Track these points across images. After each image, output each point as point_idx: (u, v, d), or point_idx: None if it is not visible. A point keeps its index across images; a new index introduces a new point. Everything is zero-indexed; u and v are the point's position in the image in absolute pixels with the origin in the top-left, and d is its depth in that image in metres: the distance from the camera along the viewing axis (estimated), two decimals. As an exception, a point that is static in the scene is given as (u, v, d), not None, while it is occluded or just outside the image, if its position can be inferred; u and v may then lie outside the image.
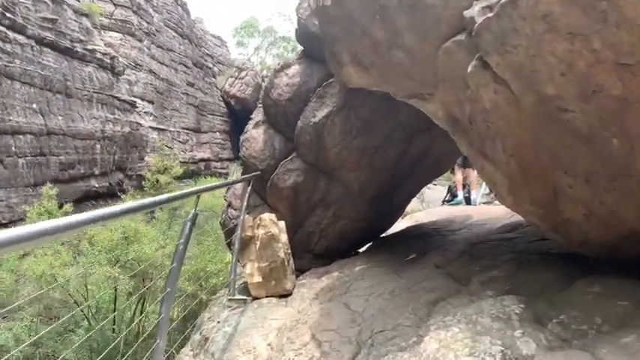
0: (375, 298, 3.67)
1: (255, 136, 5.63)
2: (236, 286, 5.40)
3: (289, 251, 5.33)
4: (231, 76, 35.84)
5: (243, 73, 35.27)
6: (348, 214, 5.90)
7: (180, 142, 28.05)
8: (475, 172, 8.81)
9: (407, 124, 5.53)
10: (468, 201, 9.01)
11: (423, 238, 5.64)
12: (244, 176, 5.55)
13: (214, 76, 36.70)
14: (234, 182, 4.88)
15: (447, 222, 6.38)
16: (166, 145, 24.24)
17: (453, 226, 5.89)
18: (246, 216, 5.29)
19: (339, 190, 5.62)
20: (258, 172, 5.55)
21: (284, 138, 5.57)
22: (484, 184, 9.67)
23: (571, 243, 2.85)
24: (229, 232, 5.75)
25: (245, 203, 5.31)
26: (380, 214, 6.34)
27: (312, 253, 6.05)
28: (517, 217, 5.71)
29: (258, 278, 5.04)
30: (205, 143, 31.46)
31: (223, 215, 6.08)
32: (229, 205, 6.01)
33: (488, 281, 3.02)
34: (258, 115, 5.86)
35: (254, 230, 5.13)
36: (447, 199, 9.45)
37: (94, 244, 7.42)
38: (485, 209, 7.44)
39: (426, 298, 3.15)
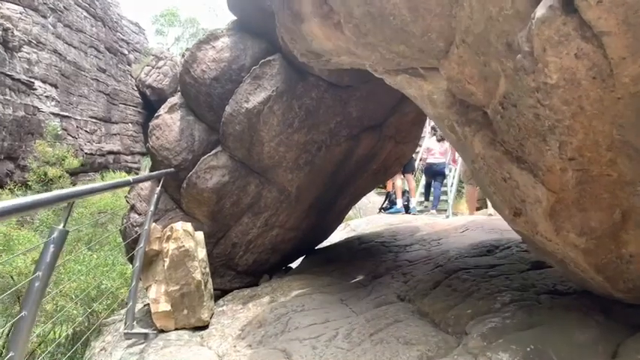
0: (326, 347, 2.67)
1: (170, 122, 4.43)
2: (136, 315, 4.18)
3: (207, 270, 4.20)
4: (148, 65, 33.41)
5: (161, 63, 33.01)
6: (282, 223, 4.87)
7: (86, 131, 25.45)
8: (413, 180, 8.14)
9: (357, 118, 4.62)
10: (407, 209, 8.34)
11: (369, 253, 4.75)
12: (152, 173, 4.34)
13: (129, 64, 34.04)
14: (137, 181, 3.67)
15: (392, 234, 5.54)
16: (69, 134, 21.75)
17: (403, 240, 5.05)
18: (154, 224, 4.10)
19: (273, 194, 4.58)
20: (172, 169, 4.37)
21: (207, 127, 4.43)
22: (418, 192, 9.05)
23: (614, 286, 2.03)
24: (132, 244, 4.51)
25: (152, 207, 4.11)
26: (319, 222, 5.38)
27: (236, 269, 4.96)
28: (475, 233, 5.00)
29: (165, 306, 3.87)
30: (116, 135, 28.93)
31: (124, 221, 4.80)
32: (132, 208, 4.75)
33: (493, 334, 2.14)
34: (174, 97, 4.66)
35: (162, 243, 3.96)
36: (384, 206, 8.70)
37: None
38: (428, 220, 6.72)
39: (405, 357, 2.21)
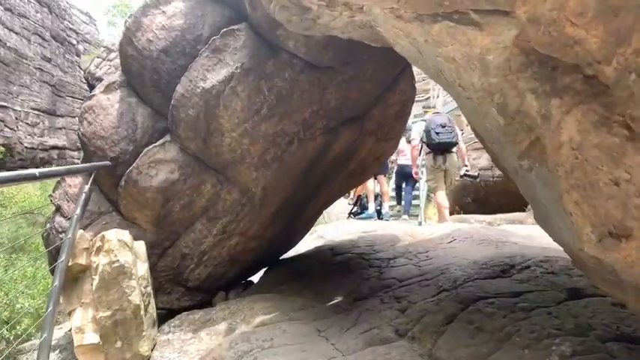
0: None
1: (106, 104, 3.57)
2: (60, 342, 3.30)
3: (149, 289, 3.37)
4: (99, 57, 31.56)
5: (112, 55, 31.21)
6: (243, 230, 4.09)
7: (27, 124, 23.63)
8: (386, 183, 7.47)
9: (336, 108, 3.90)
10: (379, 215, 7.68)
11: (346, 268, 4.04)
12: (76, 166, 3.46)
13: (78, 55, 32.11)
14: (46, 175, 2.71)
15: (369, 243, 4.86)
16: (7, 126, 20.02)
17: (384, 252, 4.37)
18: (81, 232, 3.22)
19: (233, 195, 3.78)
20: (107, 162, 3.50)
21: (152, 111, 3.60)
22: (387, 197, 8.40)
23: None
24: (56, 254, 3.59)
25: (79, 210, 3.23)
26: (286, 230, 4.61)
27: (186, 285, 4.12)
28: (465, 245, 4.37)
29: (92, 337, 3.02)
30: (61, 129, 27.07)
31: (48, 226, 3.88)
32: (58, 210, 3.84)
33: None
34: (113, 75, 3.80)
35: (91, 257, 3.10)
36: (355, 211, 7.99)
37: None
38: (404, 228, 6.08)
39: None
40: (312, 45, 3.33)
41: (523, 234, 5.78)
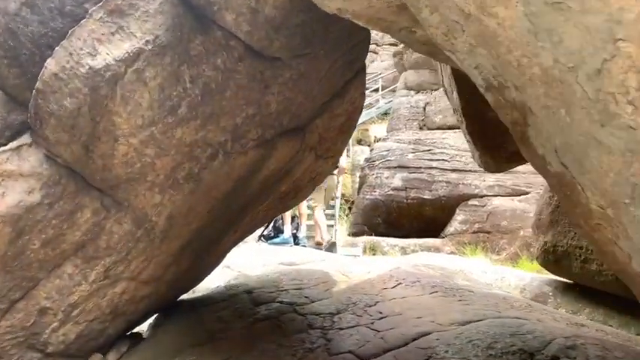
0: None
1: None
2: None
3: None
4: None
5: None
6: (134, 273, 3.00)
7: None
8: (304, 202, 6.63)
9: (276, 114, 3.01)
10: (295, 239, 6.80)
11: (277, 328, 3.14)
12: None
13: None
14: None
15: (297, 285, 4.00)
16: None
17: (321, 302, 3.53)
18: None
19: (125, 226, 2.70)
20: None
21: (3, 96, 2.39)
22: (304, 219, 7.55)
23: None
24: None
25: None
26: (192, 268, 3.56)
27: (44, 350, 2.91)
28: (416, 292, 3.69)
29: None
30: None
31: None
32: None
33: None
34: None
35: None
36: (267, 234, 7.00)
37: None
38: (331, 260, 5.29)
39: None
40: (260, 23, 2.39)
41: (465, 275, 5.28)
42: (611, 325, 4.26)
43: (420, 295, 3.66)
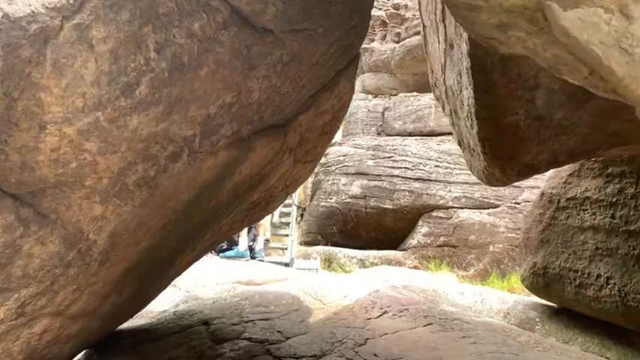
0: None
1: None
2: None
3: None
4: None
5: None
6: (60, 308, 2.30)
7: None
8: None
9: (257, 105, 2.43)
10: (252, 252, 6.14)
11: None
12: None
13: None
14: None
15: (264, 315, 3.40)
16: None
17: (298, 339, 2.95)
18: None
19: (51, 247, 2.01)
20: None
21: None
22: (262, 230, 6.89)
23: None
24: None
25: None
26: (140, 294, 2.87)
27: None
28: (408, 324, 3.20)
29: None
30: None
31: None
32: None
33: None
34: None
35: None
36: (220, 246, 6.29)
37: None
38: (298, 279, 4.71)
39: None
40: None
41: (448, 298, 4.85)
42: (608, 358, 3.95)
43: (413, 328, 3.16)
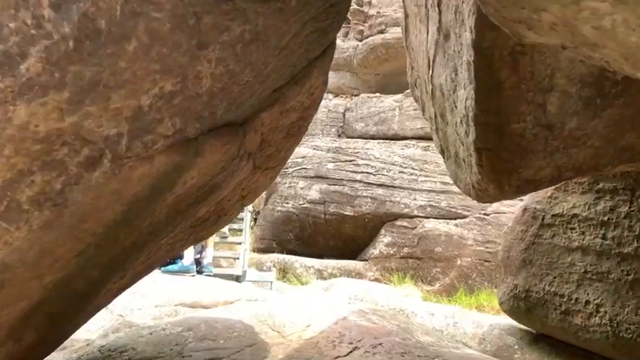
0: None
1: None
2: None
3: None
4: None
5: None
6: None
7: None
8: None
9: (208, 96, 1.88)
10: (199, 267, 5.52)
11: None
12: None
13: None
14: None
15: (210, 346, 2.87)
16: None
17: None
18: None
19: None
20: None
21: None
22: (212, 242, 6.25)
23: None
24: None
25: None
26: (45, 340, 2.25)
27: None
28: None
29: None
30: None
31: None
32: None
33: None
34: None
35: None
36: (162, 259, 5.67)
37: None
38: (249, 302, 4.18)
39: None
40: None
41: (422, 326, 4.43)
42: (594, 392, 3.61)
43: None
